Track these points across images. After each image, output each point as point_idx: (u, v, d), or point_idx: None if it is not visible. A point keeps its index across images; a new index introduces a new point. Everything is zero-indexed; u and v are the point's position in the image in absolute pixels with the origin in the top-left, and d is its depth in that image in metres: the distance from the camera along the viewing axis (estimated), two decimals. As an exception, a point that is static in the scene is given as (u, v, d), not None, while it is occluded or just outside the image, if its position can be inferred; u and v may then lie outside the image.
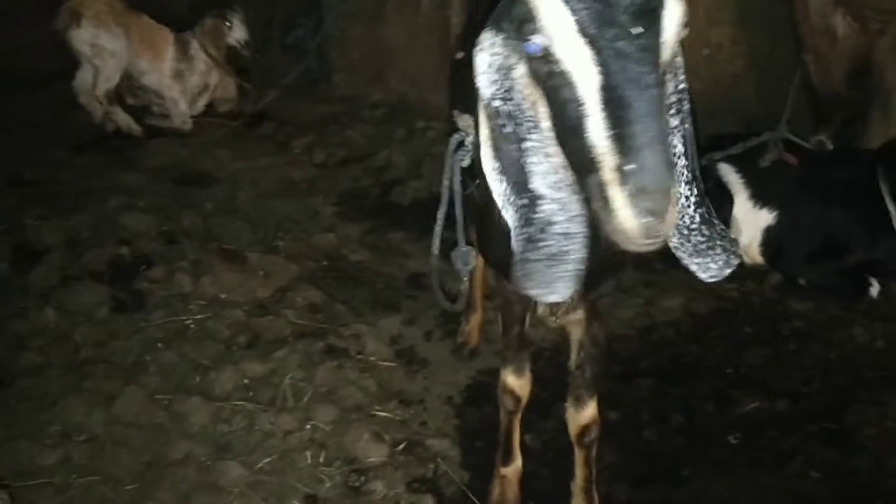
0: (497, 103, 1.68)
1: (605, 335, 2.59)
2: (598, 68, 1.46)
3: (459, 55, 2.81)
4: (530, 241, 1.68)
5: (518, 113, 1.65)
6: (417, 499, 2.86)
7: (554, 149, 1.63)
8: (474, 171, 2.24)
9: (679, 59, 1.69)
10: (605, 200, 1.47)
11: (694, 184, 1.79)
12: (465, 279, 2.62)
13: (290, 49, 6.87)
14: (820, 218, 3.92)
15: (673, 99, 1.72)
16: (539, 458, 3.09)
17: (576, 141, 1.52)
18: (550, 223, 1.66)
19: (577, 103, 1.50)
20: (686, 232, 1.79)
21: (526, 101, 1.64)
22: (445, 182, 2.42)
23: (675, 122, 1.74)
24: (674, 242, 1.77)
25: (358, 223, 4.80)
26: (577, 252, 1.66)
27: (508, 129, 1.67)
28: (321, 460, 2.98)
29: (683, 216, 1.78)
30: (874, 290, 3.85)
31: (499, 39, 1.67)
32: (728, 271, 1.80)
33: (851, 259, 3.89)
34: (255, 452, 3.00)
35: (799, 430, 3.15)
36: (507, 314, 2.56)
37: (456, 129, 2.35)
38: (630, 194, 1.42)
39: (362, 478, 2.90)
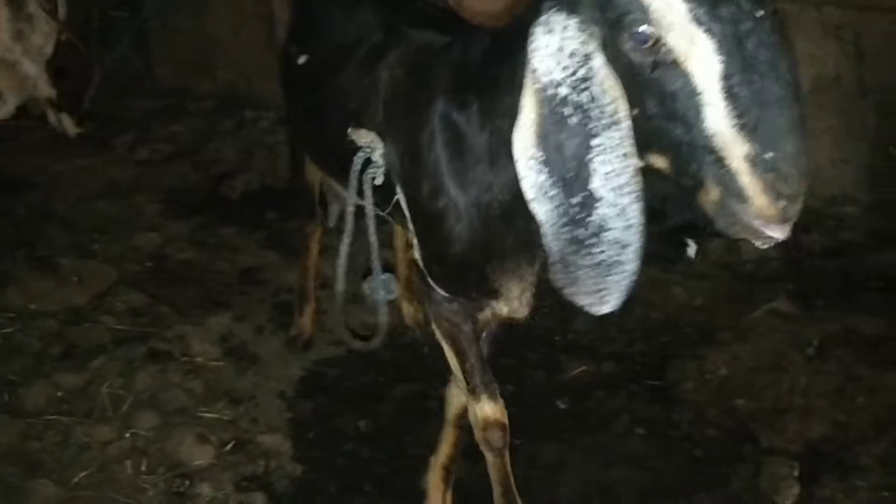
0: (565, 91, 1.54)
1: None
2: (719, 56, 1.40)
3: (302, 59, 2.65)
4: (579, 243, 1.59)
5: (593, 106, 1.53)
6: (247, 497, 2.78)
7: (631, 150, 1.54)
8: (398, 184, 2.18)
9: None
10: (736, 190, 1.42)
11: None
12: (384, 309, 2.43)
13: (109, 45, 6.52)
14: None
15: None
16: (375, 442, 3.06)
17: (685, 133, 1.46)
18: (604, 229, 1.56)
19: (691, 93, 1.44)
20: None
21: (607, 94, 1.53)
22: (350, 208, 2.26)
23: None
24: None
25: (185, 220, 4.60)
26: (630, 263, 1.59)
27: (574, 121, 1.54)
28: (143, 469, 2.85)
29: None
30: (691, 250, 3.99)
31: (573, 22, 1.54)
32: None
33: (668, 222, 4.02)
34: (71, 468, 2.83)
35: (624, 389, 3.24)
36: (458, 337, 2.33)
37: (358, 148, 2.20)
38: (768, 182, 1.38)
39: (187, 482, 2.80)
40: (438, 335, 2.37)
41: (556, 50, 1.55)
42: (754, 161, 1.39)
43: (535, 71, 1.57)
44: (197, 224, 4.57)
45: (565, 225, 1.60)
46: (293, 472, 2.91)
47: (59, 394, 3.14)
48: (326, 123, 2.46)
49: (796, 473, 2.79)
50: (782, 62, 1.40)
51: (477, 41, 2.06)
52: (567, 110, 1.55)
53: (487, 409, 2.34)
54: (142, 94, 6.27)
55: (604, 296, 1.62)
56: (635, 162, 1.54)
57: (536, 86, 1.57)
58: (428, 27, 2.30)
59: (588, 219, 1.57)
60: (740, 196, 1.42)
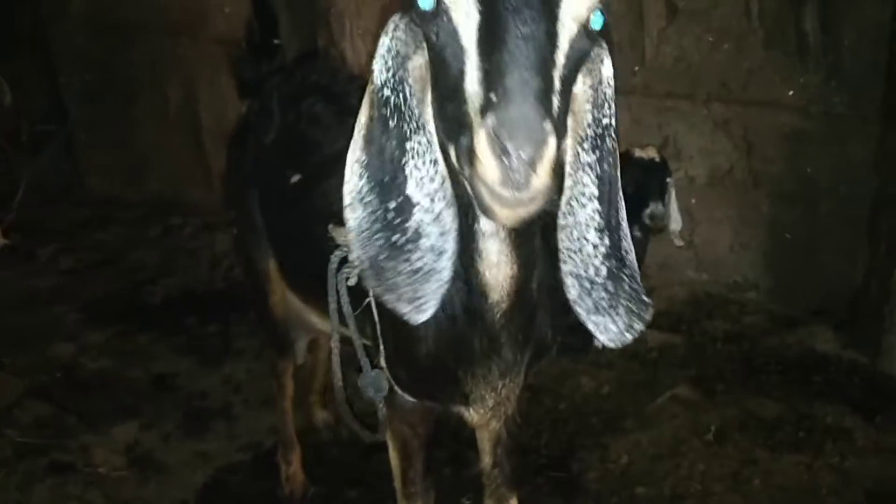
0: (387, 93, 1.51)
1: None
2: (479, 9, 1.32)
3: (295, 178, 2.55)
4: (397, 248, 1.52)
5: (405, 108, 1.49)
6: None
7: (438, 156, 1.49)
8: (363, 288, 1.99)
9: (604, 95, 1.56)
10: (472, 153, 1.28)
11: (606, 233, 1.59)
12: (381, 405, 2.26)
13: (37, 156, 6.59)
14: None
15: (589, 130, 1.55)
16: None
17: (454, 102, 1.37)
18: (420, 235, 1.51)
19: (460, 54, 1.36)
20: (588, 284, 1.58)
21: (415, 97, 1.49)
22: (333, 306, 2.15)
23: (589, 157, 1.55)
24: (572, 294, 1.58)
25: (103, 329, 4.58)
26: (446, 271, 1.52)
27: (392, 124, 1.51)
28: (31, 586, 2.79)
29: (588, 266, 1.57)
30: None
31: (402, 24, 1.51)
32: (629, 337, 1.62)
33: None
34: (-43, 590, 2.76)
35: (528, 483, 3.25)
36: (411, 442, 2.26)
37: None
38: (492, 138, 1.22)
39: None
40: (389, 437, 2.31)
41: (386, 51, 1.52)
42: (487, 116, 1.25)
43: (372, 72, 1.54)
44: (114, 332, 4.55)
45: (380, 231, 1.54)
46: (190, 583, 2.86)
47: (-47, 512, 3.08)
48: (308, 233, 2.35)
49: (691, 559, 2.81)
50: (534, 25, 1.31)
51: None
52: (387, 111, 1.52)
53: None
54: (69, 204, 6.32)
55: (421, 304, 1.55)
56: (444, 171, 1.50)
57: (371, 86, 1.55)
58: None
59: (405, 224, 1.52)
60: (474, 155, 1.28)
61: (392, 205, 1.52)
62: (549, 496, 3.19)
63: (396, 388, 2.16)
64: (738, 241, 4.44)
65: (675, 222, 3.93)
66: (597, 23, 1.41)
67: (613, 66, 1.57)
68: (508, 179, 1.23)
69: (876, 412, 3.50)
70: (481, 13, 1.32)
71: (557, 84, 1.35)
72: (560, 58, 1.36)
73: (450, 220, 1.51)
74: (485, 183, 1.26)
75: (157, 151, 6.31)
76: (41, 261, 5.52)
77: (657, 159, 3.78)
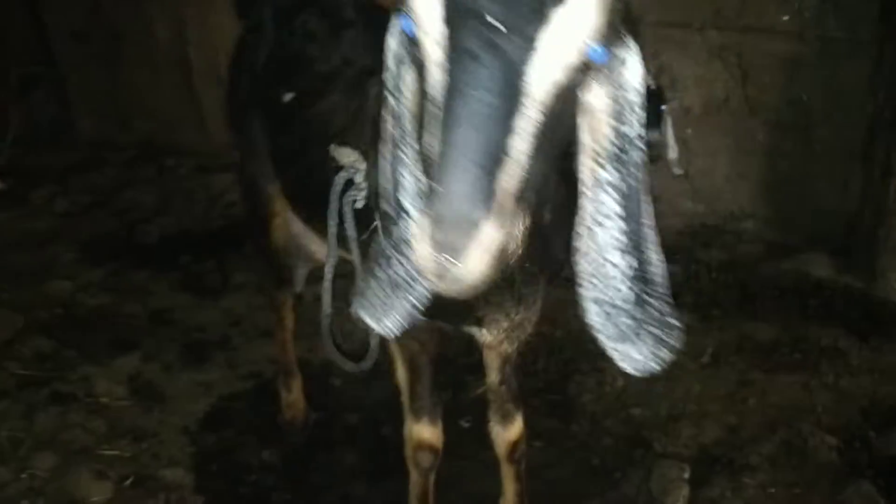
0: (392, 100, 1.45)
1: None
2: (445, 64, 1.20)
3: (288, 97, 2.49)
4: (382, 256, 1.50)
5: (400, 118, 1.44)
6: (145, 530, 2.77)
7: (419, 169, 1.41)
8: (370, 212, 1.96)
9: (629, 101, 1.38)
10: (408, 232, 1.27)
11: (632, 255, 1.45)
12: (374, 334, 2.25)
13: (26, 100, 6.52)
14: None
15: (608, 144, 1.38)
16: (279, 471, 3.07)
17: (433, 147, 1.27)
18: (405, 244, 1.44)
19: (433, 103, 1.25)
20: (610, 310, 1.46)
21: (406, 105, 1.41)
22: (332, 230, 2.10)
23: (610, 175, 1.39)
24: (595, 321, 1.48)
25: (100, 267, 4.59)
26: (422, 290, 1.45)
27: (391, 130, 1.46)
28: (38, 508, 2.83)
29: (609, 289, 1.45)
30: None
31: (396, 23, 1.42)
32: (654, 366, 1.49)
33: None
34: (-37, 512, 2.81)
35: (525, 405, 3.29)
36: (419, 358, 2.27)
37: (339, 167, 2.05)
38: (426, 221, 1.17)
39: (83, 519, 2.78)
40: (396, 352, 2.33)
41: (391, 55, 1.46)
42: (426, 196, 1.20)
43: (384, 81, 1.48)
44: (111, 270, 4.56)
45: (385, 231, 1.53)
46: (194, 504, 2.91)
47: (-43, 439, 3.11)
48: (309, 153, 2.32)
49: (686, 475, 2.86)
50: (491, 82, 1.17)
51: None
52: (391, 118, 1.48)
53: (425, 432, 2.37)
54: (61, 148, 6.27)
55: (385, 318, 1.52)
56: (425, 182, 1.38)
57: (385, 90, 1.50)
58: None
59: (395, 230, 1.49)
60: (409, 239, 1.24)
61: (390, 209, 1.51)
62: (546, 417, 3.23)
63: None
64: (734, 171, 4.43)
65: (672, 151, 3.91)
66: (597, 56, 1.25)
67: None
68: (437, 270, 1.17)
69: (870, 334, 3.54)
70: (446, 71, 1.21)
71: (526, 142, 1.21)
72: (532, 111, 1.21)
73: None
74: (418, 266, 1.21)
75: (148, 93, 6.23)
76: (36, 203, 5.50)
77: (652, 86, 3.75)
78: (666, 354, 1.49)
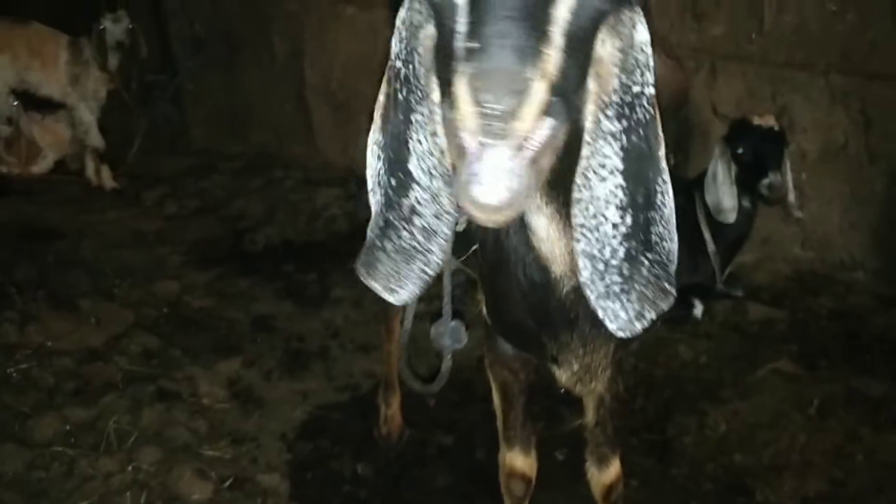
0: (398, 64, 1.42)
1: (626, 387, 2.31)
2: None
3: None
4: (388, 225, 1.45)
5: (414, 79, 1.40)
6: (242, 533, 2.82)
7: (439, 128, 1.36)
8: (474, 232, 1.96)
9: (637, 61, 1.38)
10: (452, 102, 1.17)
11: (630, 212, 1.42)
12: (448, 357, 2.28)
13: (148, 105, 6.80)
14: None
15: (615, 96, 1.38)
16: (372, 484, 3.10)
17: (448, 63, 1.24)
18: (415, 212, 1.43)
19: (453, 11, 1.23)
20: (602, 266, 1.43)
21: (423, 65, 1.38)
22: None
23: (612, 126, 1.38)
24: (584, 276, 1.44)
25: (205, 271, 4.74)
26: (434, 255, 1.44)
27: (401, 96, 1.42)
28: (142, 501, 2.91)
29: (604, 247, 1.42)
30: (698, 310, 4.03)
31: None
32: (639, 326, 1.44)
33: (677, 283, 4.07)
34: (72, 497, 2.91)
35: (622, 447, 3.24)
36: (511, 385, 2.26)
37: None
38: (470, 86, 1.13)
39: (184, 515, 2.84)
40: (491, 379, 2.34)
41: (401, 23, 1.42)
42: (466, 65, 1.16)
43: (390, 49, 1.44)
44: (216, 275, 4.70)
45: (384, 210, 1.47)
46: (289, 511, 2.95)
47: (68, 427, 3.23)
48: None
49: (790, 528, 2.77)
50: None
51: None
52: (399, 85, 1.42)
53: (518, 460, 2.37)
54: (174, 153, 6.51)
55: (395, 285, 1.47)
56: (443, 144, 1.37)
57: (388, 62, 1.45)
58: None
59: (402, 200, 1.44)
60: (455, 106, 1.17)
61: (394, 182, 1.45)
62: (643, 456, 3.18)
63: (495, 333, 2.17)
64: (847, 220, 4.30)
65: (792, 194, 3.84)
66: (632, 36, 1.30)
67: (651, 31, 1.39)
68: (484, 129, 1.12)
69: None
70: None
71: (558, 38, 1.20)
72: (561, 11, 1.21)
73: (447, 201, 1.41)
74: (462, 132, 1.15)
75: (261, 105, 6.44)
76: (147, 205, 5.73)
77: (776, 128, 3.69)
78: (652, 315, 1.44)
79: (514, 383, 2.26)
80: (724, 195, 3.80)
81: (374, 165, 1.49)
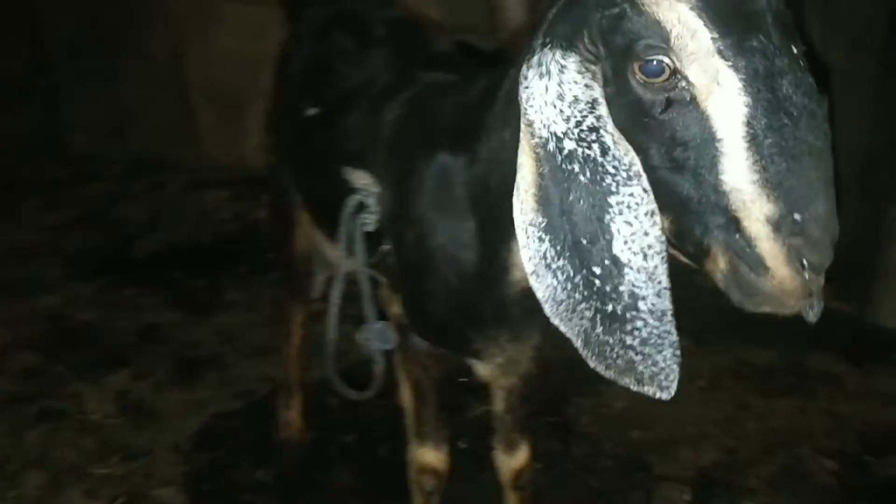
0: (570, 145, 1.29)
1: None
2: (744, 96, 1.16)
3: (312, 111, 2.45)
4: (615, 317, 1.35)
5: (606, 159, 1.28)
6: (136, 552, 2.72)
7: (655, 206, 1.29)
8: (386, 232, 2.00)
9: None
10: (754, 258, 1.19)
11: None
12: (379, 360, 2.29)
13: (18, 110, 6.46)
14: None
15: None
16: (274, 491, 3.03)
17: (695, 189, 1.23)
18: (637, 298, 1.33)
19: (708, 140, 1.20)
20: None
21: (619, 144, 1.28)
22: (341, 252, 2.10)
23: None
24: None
25: (89, 282, 4.52)
26: (673, 335, 1.37)
27: (585, 178, 1.30)
28: (28, 528, 2.77)
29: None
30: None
31: (572, 62, 1.30)
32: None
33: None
34: (-50, 531, 2.74)
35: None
36: (424, 382, 2.26)
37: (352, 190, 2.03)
38: (793, 248, 1.16)
39: (73, 540, 2.72)
40: (402, 377, 2.32)
41: (555, 97, 1.31)
42: (778, 223, 1.16)
43: (531, 123, 1.33)
44: (100, 285, 4.50)
45: (585, 300, 1.35)
46: (186, 524, 2.86)
47: (-57, 455, 3.05)
48: (328, 170, 2.26)
49: (687, 497, 2.85)
50: (817, 108, 1.17)
51: (480, 81, 1.85)
52: (575, 167, 1.30)
53: (429, 455, 2.37)
54: (51, 160, 6.21)
55: (664, 378, 1.39)
56: (660, 222, 1.31)
57: (534, 140, 1.33)
58: (442, 67, 2.15)
59: (618, 289, 1.33)
60: (758, 265, 1.20)
61: (597, 270, 1.33)
62: (546, 439, 3.21)
63: (412, 332, 2.17)
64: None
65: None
66: None
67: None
68: (806, 290, 1.21)
69: (864, 360, 3.56)
70: (747, 101, 1.17)
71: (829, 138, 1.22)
72: (824, 106, 1.21)
73: (664, 275, 1.34)
74: (782, 293, 1.22)
75: (141, 108, 6.20)
76: (23, 216, 5.43)
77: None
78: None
79: (427, 379, 2.27)
80: None
81: (534, 248, 1.36)
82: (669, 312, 1.36)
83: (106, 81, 6.27)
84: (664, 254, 1.32)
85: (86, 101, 6.36)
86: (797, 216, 1.15)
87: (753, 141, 1.16)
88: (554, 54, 1.31)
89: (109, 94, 6.29)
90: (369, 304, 2.18)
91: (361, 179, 2.04)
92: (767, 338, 3.71)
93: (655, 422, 3.25)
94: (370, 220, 2.04)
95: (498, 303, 1.84)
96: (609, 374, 1.41)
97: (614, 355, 1.38)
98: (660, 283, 1.34)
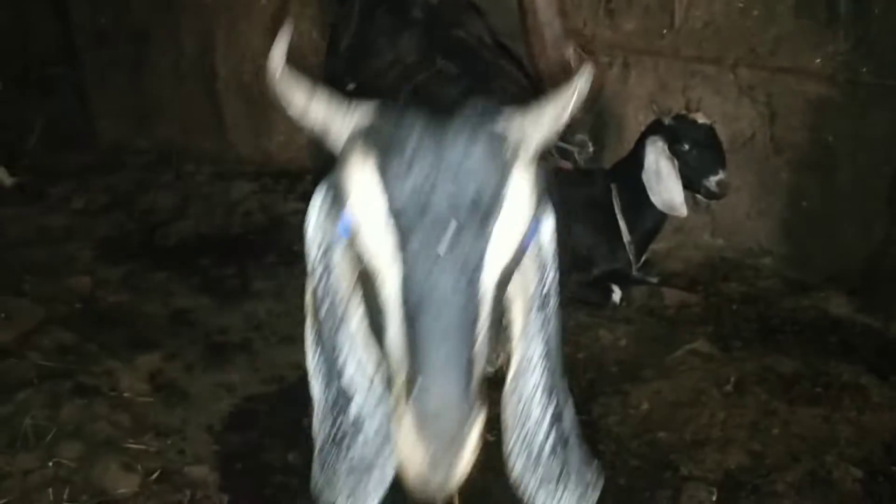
0: (320, 269, 1.39)
1: None
2: (401, 265, 1.20)
3: (351, 86, 2.42)
4: (336, 439, 1.45)
5: (340, 293, 1.37)
6: (172, 525, 2.75)
7: (372, 344, 1.38)
8: None
9: (548, 254, 1.44)
10: (396, 419, 1.22)
11: (554, 394, 1.50)
12: None
13: (48, 99, 6.53)
14: (567, 234, 4.18)
15: (536, 292, 1.45)
16: (305, 474, 3.05)
17: (380, 344, 1.30)
18: (362, 422, 1.41)
19: (381, 301, 1.25)
20: (534, 458, 1.51)
21: (345, 284, 1.37)
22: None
23: (537, 321, 1.45)
24: (517, 470, 1.51)
25: (118, 266, 4.58)
26: (386, 469, 1.43)
27: (328, 303, 1.39)
28: (65, 497, 2.81)
29: (534, 436, 1.49)
30: (616, 296, 4.13)
31: (329, 197, 1.39)
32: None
33: (596, 270, 4.17)
34: (-11, 496, 2.78)
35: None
36: None
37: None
38: (417, 414, 1.17)
39: (110, 509, 2.76)
40: None
41: (314, 223, 1.43)
42: (410, 388, 1.18)
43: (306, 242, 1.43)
44: (130, 269, 4.55)
45: (330, 410, 1.46)
46: (219, 502, 2.89)
47: (-20, 425, 3.09)
48: None
49: (714, 498, 2.88)
50: (459, 282, 1.20)
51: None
52: (322, 292, 1.42)
53: None
54: (79, 148, 6.27)
55: (365, 499, 1.46)
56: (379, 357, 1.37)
57: (309, 260, 1.44)
58: (458, 57, 2.17)
59: (345, 411, 1.43)
60: (397, 428, 1.22)
61: (334, 387, 1.45)
62: (572, 437, 3.24)
63: None
64: (755, 208, 4.49)
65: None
66: (531, 233, 1.32)
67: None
68: (431, 464, 1.19)
69: (889, 372, 3.57)
70: (404, 271, 1.22)
71: (485, 314, 1.26)
72: (489, 289, 1.26)
73: (385, 414, 1.41)
74: (406, 460, 1.22)
75: (170, 99, 6.26)
76: (52, 200, 5.49)
77: (708, 123, 3.87)
78: (593, 497, 1.57)
79: None
80: (674, 192, 3.91)
81: (311, 350, 1.50)
82: (388, 449, 1.44)
83: (134, 72, 6.34)
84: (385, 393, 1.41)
85: (115, 90, 6.42)
86: (420, 383, 1.19)
87: (405, 309, 1.22)
88: (323, 186, 1.44)
89: (138, 85, 6.35)
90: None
91: None
92: (793, 348, 3.76)
93: (682, 423, 3.27)
94: None
95: None
96: (317, 486, 1.58)
97: (326, 469, 1.54)
98: (381, 417, 1.43)
